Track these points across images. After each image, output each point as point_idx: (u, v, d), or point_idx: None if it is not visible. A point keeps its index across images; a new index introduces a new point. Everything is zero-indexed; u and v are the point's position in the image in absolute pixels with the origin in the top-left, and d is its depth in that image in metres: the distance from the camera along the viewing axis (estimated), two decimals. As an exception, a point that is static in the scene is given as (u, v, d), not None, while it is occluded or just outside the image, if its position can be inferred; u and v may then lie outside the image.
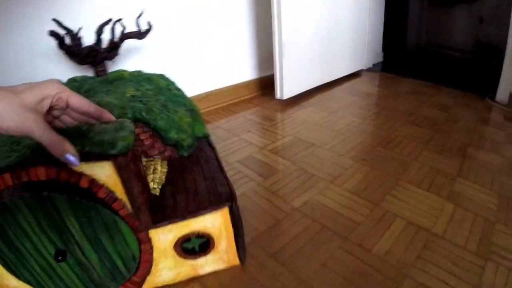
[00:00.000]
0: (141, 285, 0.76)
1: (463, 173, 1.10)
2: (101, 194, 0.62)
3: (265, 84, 2.05)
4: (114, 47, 1.23)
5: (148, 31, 1.25)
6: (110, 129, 0.60)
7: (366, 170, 1.12)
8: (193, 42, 1.67)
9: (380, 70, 2.25)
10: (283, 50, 1.66)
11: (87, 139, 0.58)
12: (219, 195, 0.74)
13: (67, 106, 0.56)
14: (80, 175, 0.60)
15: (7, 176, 0.60)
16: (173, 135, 0.88)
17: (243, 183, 1.12)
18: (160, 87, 1.02)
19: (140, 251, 0.71)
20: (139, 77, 1.05)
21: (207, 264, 0.79)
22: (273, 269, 0.78)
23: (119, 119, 0.64)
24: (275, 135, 1.46)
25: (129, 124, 0.63)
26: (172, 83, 1.11)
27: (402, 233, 0.85)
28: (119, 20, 1.21)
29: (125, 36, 1.23)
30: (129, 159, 0.62)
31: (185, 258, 0.76)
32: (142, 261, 0.72)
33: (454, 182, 1.05)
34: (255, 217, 0.96)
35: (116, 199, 0.63)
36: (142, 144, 0.86)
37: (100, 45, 1.18)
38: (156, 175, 0.81)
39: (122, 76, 1.06)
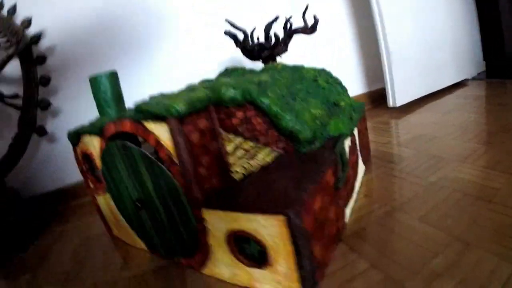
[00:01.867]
0: (202, 266, 0.74)
1: None
2: (162, 155, 0.65)
3: (375, 98, 2.12)
4: (280, 43, 1.26)
5: (314, 26, 1.22)
6: (180, 94, 0.64)
7: (495, 150, 1.11)
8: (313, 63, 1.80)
9: (485, 78, 2.21)
10: (391, 58, 1.74)
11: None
12: (285, 200, 0.57)
13: None
14: (149, 133, 0.65)
15: (111, 125, 0.74)
16: (285, 123, 0.77)
17: (373, 169, 1.16)
18: (302, 77, 0.96)
19: (198, 229, 0.68)
20: (286, 67, 1.01)
21: (264, 281, 0.64)
22: (423, 230, 0.79)
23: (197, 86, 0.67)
24: (396, 133, 1.50)
25: (198, 94, 0.64)
26: (326, 77, 1.02)
27: (544, 194, 0.84)
28: (289, 17, 1.23)
29: (291, 32, 1.24)
30: (183, 126, 0.61)
31: (237, 258, 0.65)
32: (201, 241, 0.70)
33: None
34: (393, 191, 0.98)
35: (174, 163, 0.64)
36: (254, 128, 0.80)
37: (268, 42, 1.24)
38: (250, 161, 0.75)
39: (274, 67, 1.02)
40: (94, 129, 0.81)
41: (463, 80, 2.18)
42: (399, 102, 1.82)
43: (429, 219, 0.82)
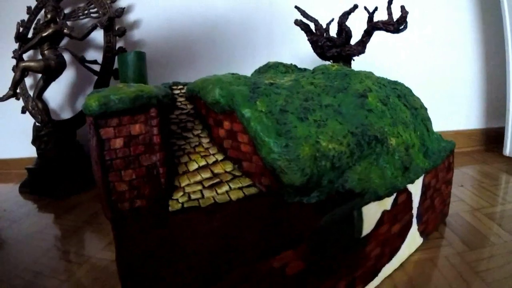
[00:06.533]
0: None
1: None
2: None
3: (492, 138, 1.66)
4: (357, 41, 0.98)
5: (401, 21, 0.88)
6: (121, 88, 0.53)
7: None
8: (415, 75, 1.51)
9: None
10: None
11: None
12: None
13: None
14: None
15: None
16: (265, 151, 0.52)
17: (436, 246, 0.79)
18: (345, 87, 0.68)
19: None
20: (338, 71, 0.75)
21: None
22: None
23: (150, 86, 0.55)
24: (496, 198, 1.06)
25: (135, 90, 0.50)
26: (386, 94, 0.70)
27: None
28: (375, 9, 0.94)
29: (371, 26, 0.94)
30: (102, 128, 0.49)
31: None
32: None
33: None
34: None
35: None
36: (238, 147, 0.59)
37: (341, 38, 0.98)
38: (205, 191, 0.54)
39: (324, 68, 0.78)
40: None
41: None
42: (519, 153, 1.32)
43: None
